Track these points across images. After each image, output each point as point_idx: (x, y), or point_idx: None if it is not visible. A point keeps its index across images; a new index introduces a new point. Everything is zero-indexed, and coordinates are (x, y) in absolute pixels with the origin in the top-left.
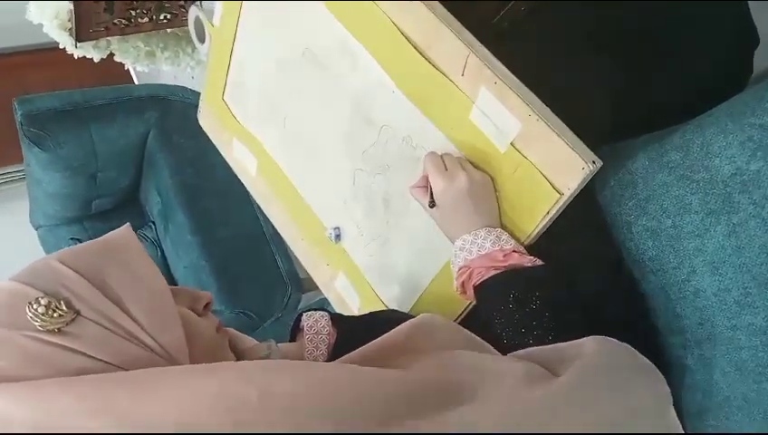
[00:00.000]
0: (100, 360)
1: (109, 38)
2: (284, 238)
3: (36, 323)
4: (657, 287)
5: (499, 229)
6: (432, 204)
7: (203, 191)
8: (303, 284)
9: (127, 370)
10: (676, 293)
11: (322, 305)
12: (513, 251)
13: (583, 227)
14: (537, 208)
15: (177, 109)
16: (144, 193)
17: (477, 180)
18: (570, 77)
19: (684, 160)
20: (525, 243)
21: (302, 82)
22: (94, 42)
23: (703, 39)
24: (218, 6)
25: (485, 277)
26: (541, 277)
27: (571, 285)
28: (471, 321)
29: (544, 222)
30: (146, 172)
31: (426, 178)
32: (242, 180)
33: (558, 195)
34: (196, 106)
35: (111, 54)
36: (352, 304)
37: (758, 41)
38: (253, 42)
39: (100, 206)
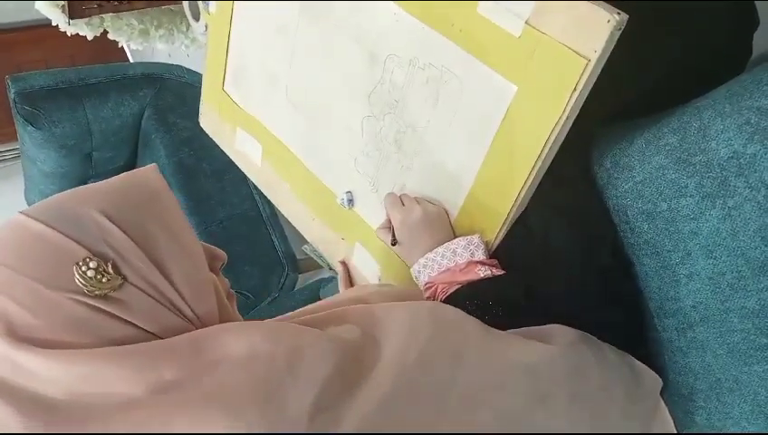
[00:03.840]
0: (144, 329)
1: (102, 15)
2: (296, 226)
3: (84, 287)
4: (651, 270)
5: (456, 241)
6: (394, 241)
7: (199, 171)
8: (300, 264)
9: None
10: (670, 276)
11: (319, 286)
12: (468, 264)
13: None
14: (564, 86)
15: (172, 88)
16: None
17: (431, 211)
18: None
19: (681, 143)
20: (556, 133)
21: (301, 41)
22: (87, 19)
23: (701, 21)
24: None
25: (448, 293)
26: (496, 289)
27: (533, 288)
28: None
29: (575, 97)
30: (141, 152)
31: (388, 221)
32: (247, 174)
33: (584, 61)
34: (192, 85)
35: (105, 32)
36: (372, 276)
37: (758, 23)
38: (249, 18)
39: None
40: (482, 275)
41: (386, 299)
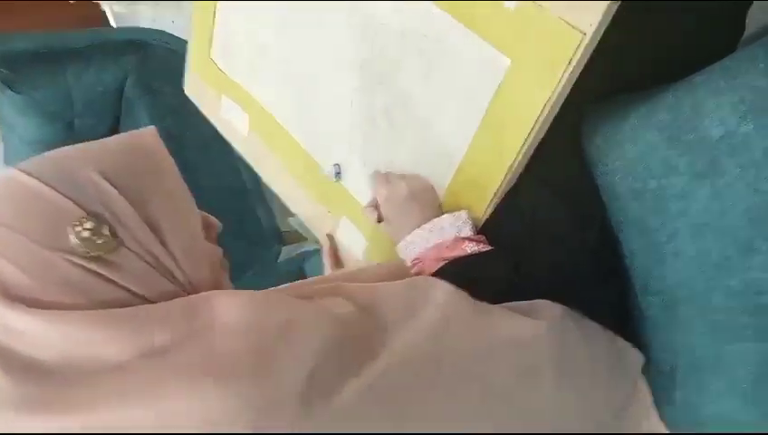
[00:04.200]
0: (136, 293)
1: None
2: (282, 197)
3: (79, 248)
4: (637, 248)
5: (444, 217)
6: (380, 218)
7: (185, 140)
8: (285, 237)
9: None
10: (656, 254)
11: (302, 260)
12: (455, 241)
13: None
14: (558, 59)
15: (156, 54)
16: None
17: (417, 187)
18: None
19: (674, 121)
20: (548, 108)
21: (289, 10)
22: None
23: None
24: None
25: (433, 270)
26: (483, 265)
27: (521, 265)
28: None
29: (569, 72)
30: (124, 119)
31: (375, 199)
32: (232, 143)
33: (580, 34)
34: (177, 52)
35: None
36: (356, 248)
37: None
38: None
39: None
40: (468, 252)
41: (378, 277)
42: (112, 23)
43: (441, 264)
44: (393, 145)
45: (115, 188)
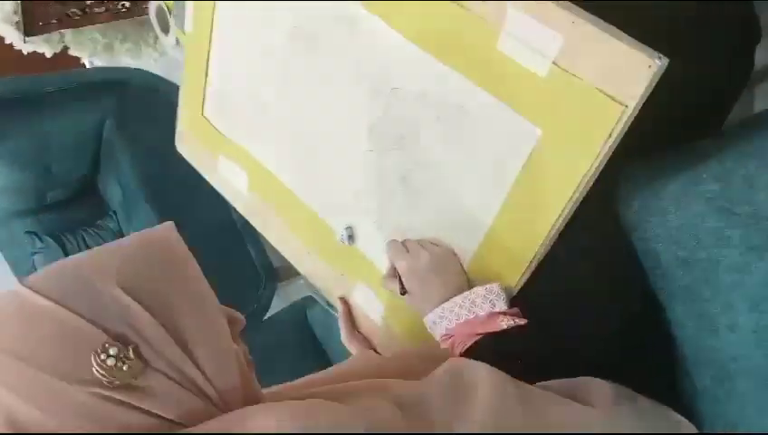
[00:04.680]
0: (165, 418)
1: (61, 31)
2: (289, 259)
3: (103, 379)
4: (685, 318)
5: (475, 290)
6: (403, 291)
7: (167, 182)
8: (279, 272)
9: (185, 426)
10: (707, 325)
11: (305, 307)
12: (490, 314)
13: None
14: (596, 132)
15: (135, 94)
16: (103, 183)
17: (439, 254)
18: None
19: (723, 192)
20: (585, 180)
21: (293, 68)
22: (45, 35)
23: (707, 40)
24: (188, 8)
25: (467, 345)
26: (520, 339)
27: (560, 337)
28: None
29: (608, 145)
30: (104, 162)
31: (393, 269)
32: (231, 201)
33: (621, 107)
34: (157, 91)
35: (66, 48)
36: (375, 315)
37: (760, 35)
38: (232, 37)
39: (55, 197)
40: (504, 327)
41: (411, 365)
42: (86, 63)
43: (473, 339)
44: (410, 210)
45: (138, 301)
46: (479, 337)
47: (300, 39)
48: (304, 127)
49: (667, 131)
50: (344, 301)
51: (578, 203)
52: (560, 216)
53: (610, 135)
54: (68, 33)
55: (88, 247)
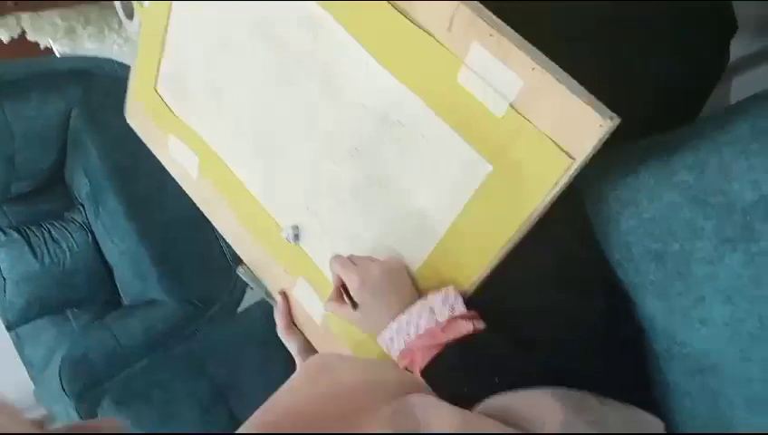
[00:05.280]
0: None
1: (18, 14)
2: (233, 246)
3: None
4: (657, 311)
5: (431, 298)
6: (354, 305)
7: (136, 173)
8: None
9: None
10: (680, 319)
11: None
12: (449, 321)
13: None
14: (544, 179)
15: (102, 84)
16: (70, 174)
17: (390, 267)
18: None
19: (697, 182)
20: (530, 218)
21: (252, 60)
22: (1, 18)
23: (683, 33)
24: None
25: (428, 360)
26: (485, 343)
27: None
28: None
29: (553, 193)
30: (71, 153)
31: (338, 289)
32: (180, 184)
33: (570, 160)
34: (124, 80)
35: (23, 33)
36: (315, 313)
37: (736, 28)
38: (192, 18)
39: (19, 189)
40: (464, 332)
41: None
42: (56, 53)
43: (434, 351)
44: (359, 220)
45: None
46: (439, 349)
47: (262, 34)
48: (258, 121)
49: (643, 124)
50: (284, 295)
51: (525, 233)
52: (504, 245)
53: (556, 184)
54: (26, 17)
55: (54, 242)
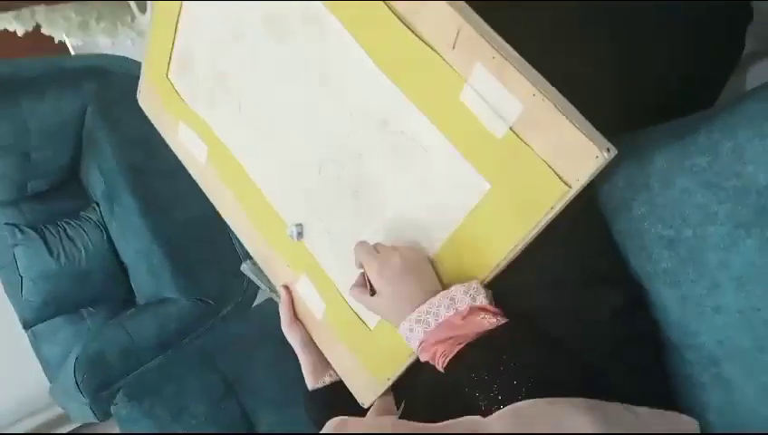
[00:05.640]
0: None
1: (32, 8)
2: (239, 237)
3: None
4: (670, 300)
5: (453, 288)
6: (372, 292)
7: (150, 171)
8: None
9: None
10: (693, 308)
11: None
12: (470, 311)
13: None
14: (540, 203)
15: (117, 81)
16: (85, 172)
17: (412, 257)
18: (556, 63)
19: (711, 165)
20: (522, 243)
21: (260, 56)
22: (15, 12)
23: (697, 21)
24: None
25: (450, 356)
26: (507, 339)
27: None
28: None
29: (548, 218)
30: (86, 150)
31: (362, 275)
32: (189, 170)
33: (566, 187)
34: (139, 78)
35: (38, 26)
36: (316, 310)
37: (751, 16)
38: (203, 10)
39: (36, 187)
40: (487, 326)
41: None
42: (71, 50)
43: (456, 349)
44: (359, 222)
45: None
46: (461, 346)
47: (270, 30)
48: (266, 117)
49: (658, 113)
50: (287, 289)
51: (519, 252)
52: (498, 263)
53: (552, 208)
54: (40, 11)
55: (70, 240)
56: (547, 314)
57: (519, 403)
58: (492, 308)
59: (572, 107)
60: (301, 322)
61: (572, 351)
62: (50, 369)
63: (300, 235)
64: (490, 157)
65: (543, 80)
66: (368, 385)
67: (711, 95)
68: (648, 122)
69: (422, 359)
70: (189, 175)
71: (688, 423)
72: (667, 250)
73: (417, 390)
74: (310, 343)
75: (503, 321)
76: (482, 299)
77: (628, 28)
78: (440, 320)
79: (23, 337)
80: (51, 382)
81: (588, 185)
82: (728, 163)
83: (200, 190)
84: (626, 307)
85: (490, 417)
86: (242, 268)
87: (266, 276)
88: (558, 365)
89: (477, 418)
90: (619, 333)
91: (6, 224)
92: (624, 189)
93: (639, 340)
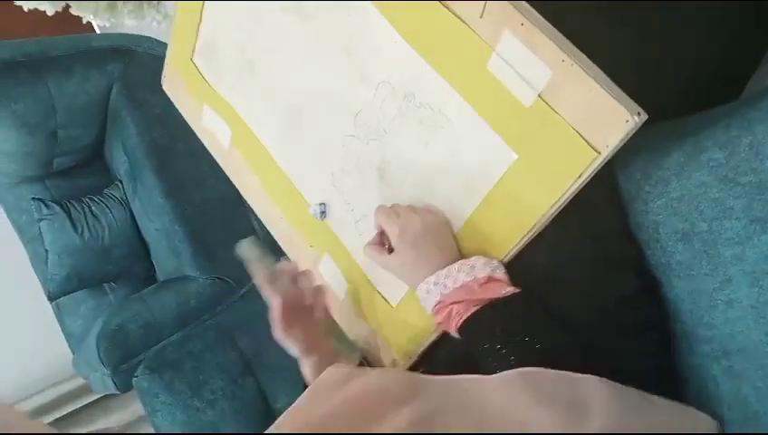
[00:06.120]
0: None
1: None
2: (261, 218)
3: None
4: (684, 292)
5: (473, 258)
6: (390, 250)
7: (173, 151)
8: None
9: None
10: (706, 301)
11: None
12: (488, 280)
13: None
14: (568, 171)
15: (142, 61)
16: (109, 151)
17: (432, 220)
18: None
19: (728, 160)
20: (549, 213)
21: (285, 35)
22: None
23: (722, 11)
24: None
25: (465, 316)
26: (522, 307)
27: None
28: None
29: (576, 185)
30: (110, 129)
31: (379, 235)
32: (212, 153)
33: (595, 153)
34: (164, 58)
35: (67, 6)
36: (338, 289)
37: None
38: None
39: (61, 164)
40: (503, 293)
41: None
42: (97, 30)
43: (472, 309)
44: (384, 200)
45: None
46: (477, 307)
47: (293, 8)
48: (290, 96)
49: (680, 103)
50: (277, 299)
51: (547, 222)
52: (525, 234)
53: (580, 176)
54: None
55: (94, 217)
56: (557, 294)
57: (527, 368)
58: (509, 282)
59: (601, 72)
60: (300, 322)
61: (578, 327)
62: (73, 341)
63: (323, 214)
64: (517, 126)
65: (571, 45)
66: (391, 363)
67: (736, 88)
68: (672, 115)
69: (437, 320)
70: (210, 157)
71: (705, 421)
72: (682, 243)
73: (435, 366)
74: (311, 348)
75: (517, 290)
76: (501, 273)
77: (653, 18)
78: (458, 284)
79: (47, 309)
80: (74, 354)
81: (610, 174)
82: (745, 159)
83: (222, 172)
84: (636, 295)
85: (495, 375)
86: (237, 248)
87: (268, 257)
88: (566, 342)
89: (483, 376)
90: (626, 319)
91: (33, 199)
92: (641, 182)
93: (646, 327)
